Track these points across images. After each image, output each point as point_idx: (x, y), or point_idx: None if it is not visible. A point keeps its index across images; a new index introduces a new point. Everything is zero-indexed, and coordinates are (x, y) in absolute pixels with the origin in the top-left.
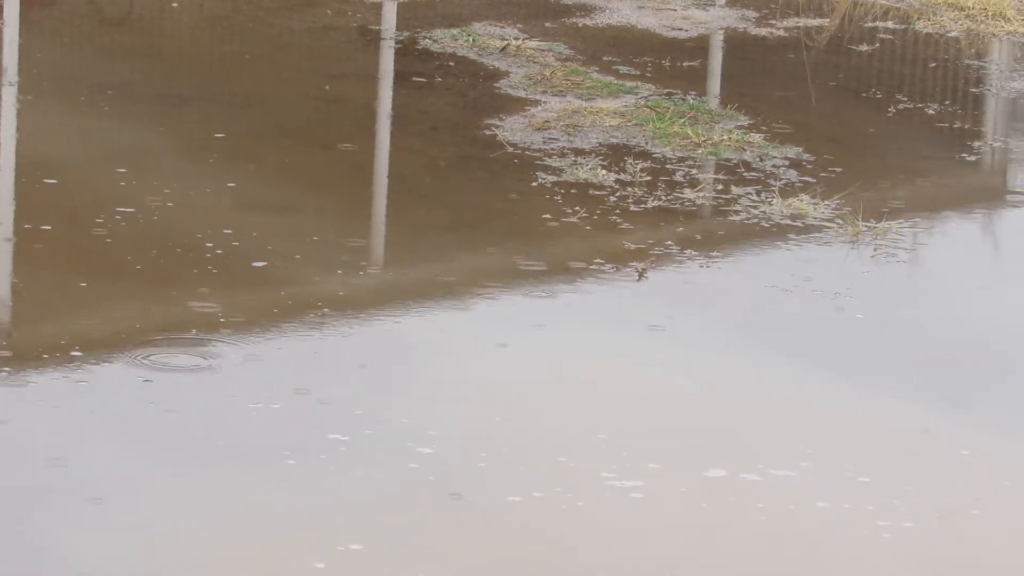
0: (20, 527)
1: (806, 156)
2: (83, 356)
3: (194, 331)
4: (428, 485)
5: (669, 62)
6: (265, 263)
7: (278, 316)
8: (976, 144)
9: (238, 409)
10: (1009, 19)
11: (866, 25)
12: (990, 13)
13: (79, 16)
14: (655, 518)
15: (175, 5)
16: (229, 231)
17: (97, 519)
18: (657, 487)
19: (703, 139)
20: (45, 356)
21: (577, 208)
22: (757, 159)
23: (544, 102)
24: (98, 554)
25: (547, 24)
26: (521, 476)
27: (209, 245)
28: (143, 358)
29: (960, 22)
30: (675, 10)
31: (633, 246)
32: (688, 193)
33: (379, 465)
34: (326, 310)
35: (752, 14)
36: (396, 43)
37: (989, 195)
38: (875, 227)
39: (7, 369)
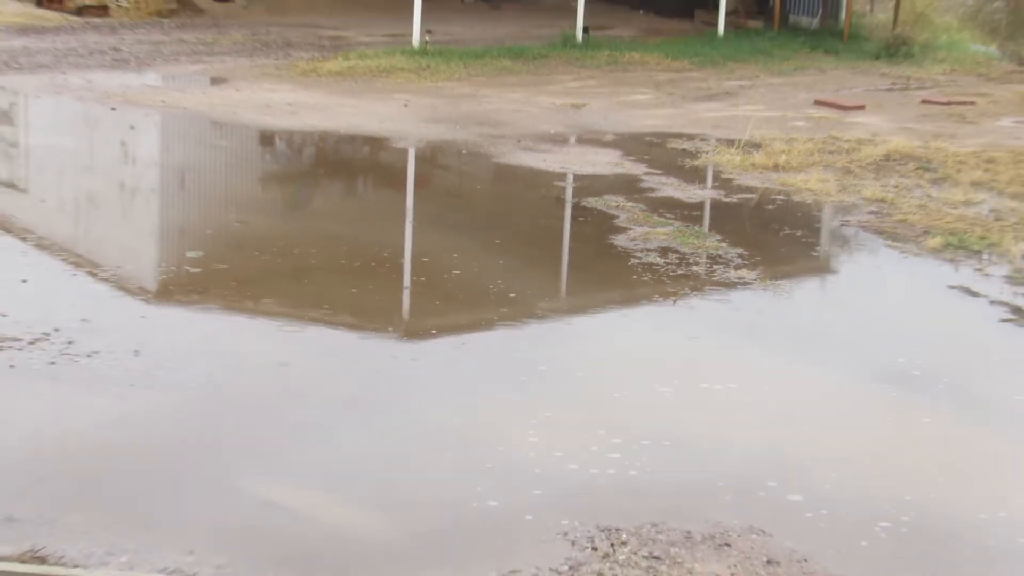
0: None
1: (744, 252)
2: (429, 337)
3: (483, 323)
4: (559, 386)
5: (688, 212)
6: (515, 294)
7: (517, 316)
8: (817, 247)
9: (497, 362)
10: (832, 194)
11: (771, 196)
12: (823, 191)
13: (438, 191)
14: (681, 397)
15: (479, 188)
16: (500, 281)
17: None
18: (694, 388)
19: (701, 245)
20: (433, 334)
21: (648, 274)
22: (724, 253)
23: (634, 229)
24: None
25: (636, 196)
26: (637, 383)
27: (491, 288)
28: (465, 336)
29: (811, 196)
30: (692, 189)
31: (671, 290)
32: (695, 268)
33: (551, 380)
34: (541, 315)
35: (723, 192)
36: (572, 203)
37: (822, 268)
38: (775, 282)
39: (406, 338)
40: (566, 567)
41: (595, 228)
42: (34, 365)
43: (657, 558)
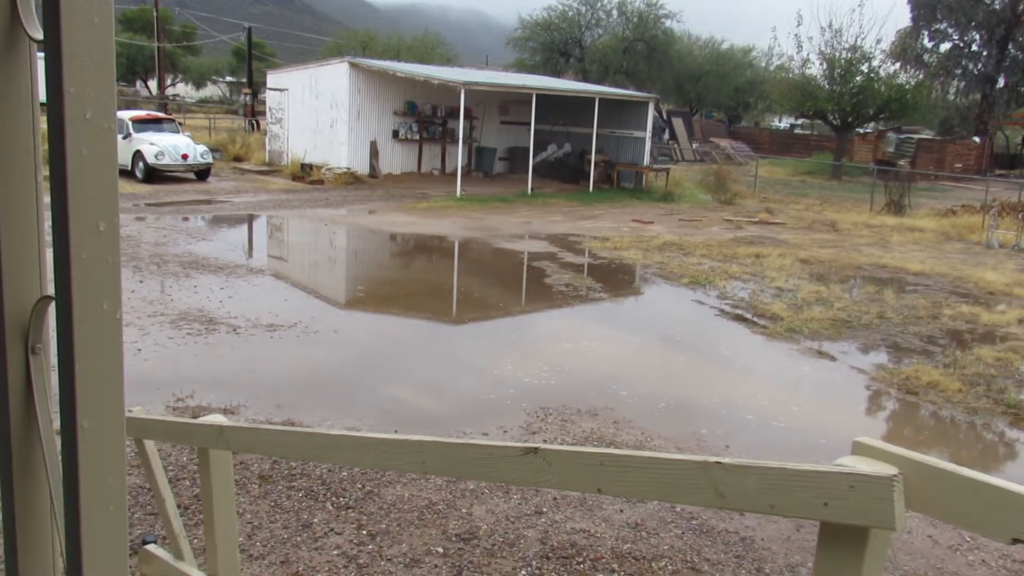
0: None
1: (603, 285)
2: (464, 323)
3: (488, 317)
4: (522, 345)
5: (578, 268)
6: (502, 304)
7: (504, 313)
8: (634, 282)
9: (495, 334)
10: (640, 260)
11: (614, 261)
12: (636, 259)
13: (467, 259)
14: (575, 349)
15: (485, 257)
16: (495, 298)
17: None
18: (580, 345)
19: (583, 282)
20: (466, 321)
21: (560, 295)
22: (592, 285)
23: (554, 275)
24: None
25: (554, 261)
26: (556, 343)
27: (491, 301)
28: (481, 322)
29: (631, 260)
30: (579, 258)
31: (575, 301)
32: (581, 292)
33: (519, 342)
34: (514, 313)
35: (592, 259)
36: (526, 264)
37: (636, 291)
38: (615, 298)
39: (454, 323)
40: (525, 424)
41: (537, 275)
42: (289, 337)
43: (565, 420)
